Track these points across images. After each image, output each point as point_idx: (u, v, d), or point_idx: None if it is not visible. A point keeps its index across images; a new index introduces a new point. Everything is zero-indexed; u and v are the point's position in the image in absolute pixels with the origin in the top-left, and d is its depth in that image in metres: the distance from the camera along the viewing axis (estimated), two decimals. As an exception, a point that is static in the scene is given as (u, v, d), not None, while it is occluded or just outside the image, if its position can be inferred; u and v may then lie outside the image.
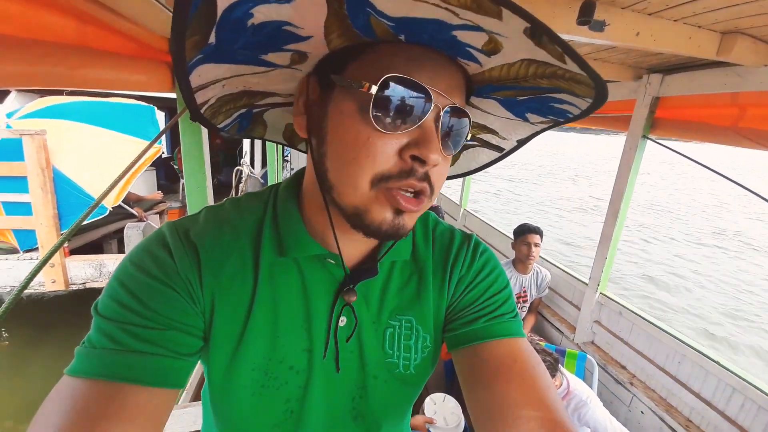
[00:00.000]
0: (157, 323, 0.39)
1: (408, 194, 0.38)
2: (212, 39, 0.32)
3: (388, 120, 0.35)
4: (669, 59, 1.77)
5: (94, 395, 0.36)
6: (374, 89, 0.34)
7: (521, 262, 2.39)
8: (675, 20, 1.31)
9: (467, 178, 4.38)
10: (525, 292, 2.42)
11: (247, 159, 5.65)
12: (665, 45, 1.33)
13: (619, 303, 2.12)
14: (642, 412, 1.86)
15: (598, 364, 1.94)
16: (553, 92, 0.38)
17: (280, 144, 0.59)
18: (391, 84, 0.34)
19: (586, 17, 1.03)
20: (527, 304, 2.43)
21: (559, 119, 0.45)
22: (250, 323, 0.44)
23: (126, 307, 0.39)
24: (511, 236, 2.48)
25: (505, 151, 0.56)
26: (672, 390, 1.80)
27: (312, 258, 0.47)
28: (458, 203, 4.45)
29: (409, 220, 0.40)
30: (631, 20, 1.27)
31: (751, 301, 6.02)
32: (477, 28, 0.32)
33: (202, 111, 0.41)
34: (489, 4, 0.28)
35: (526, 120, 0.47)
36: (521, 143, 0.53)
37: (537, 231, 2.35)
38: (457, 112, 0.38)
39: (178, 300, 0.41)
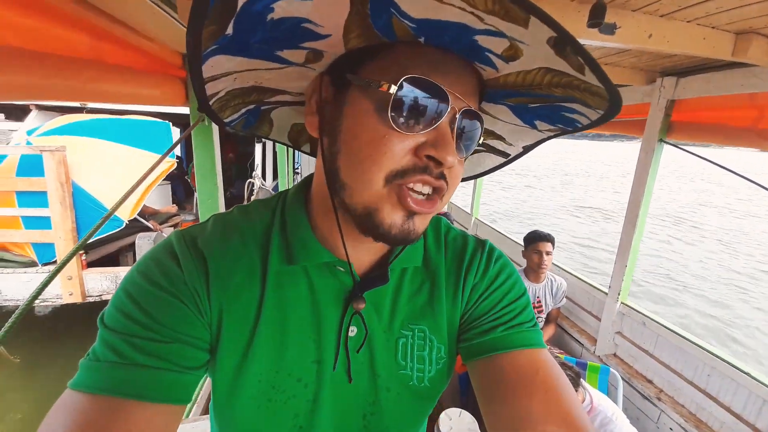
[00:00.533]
0: (162, 336, 0.39)
1: (420, 196, 0.37)
2: (230, 30, 0.32)
3: (406, 120, 0.35)
4: (683, 61, 1.73)
5: (96, 411, 0.35)
6: (393, 89, 0.34)
7: (533, 271, 2.33)
8: (688, 21, 1.29)
9: (478, 187, 4.36)
10: (539, 302, 2.35)
11: (258, 171, 5.73)
12: (679, 47, 1.31)
13: (642, 313, 2.03)
14: (671, 429, 1.77)
15: (622, 378, 1.85)
16: (566, 101, 0.39)
17: (284, 144, 0.59)
18: (411, 84, 0.34)
19: (596, 19, 1.01)
20: (543, 315, 2.36)
21: (567, 128, 0.45)
22: (257, 334, 0.43)
23: (131, 319, 0.38)
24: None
25: (510, 157, 0.56)
26: (702, 404, 1.71)
27: (321, 266, 0.46)
28: (469, 212, 4.41)
29: (420, 224, 0.39)
30: (643, 22, 1.25)
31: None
32: (499, 34, 0.32)
33: (210, 103, 0.41)
34: (517, 12, 0.28)
35: (534, 127, 0.47)
36: (527, 149, 0.53)
37: (548, 238, 2.29)
38: (471, 116, 0.38)
39: (185, 311, 0.40)
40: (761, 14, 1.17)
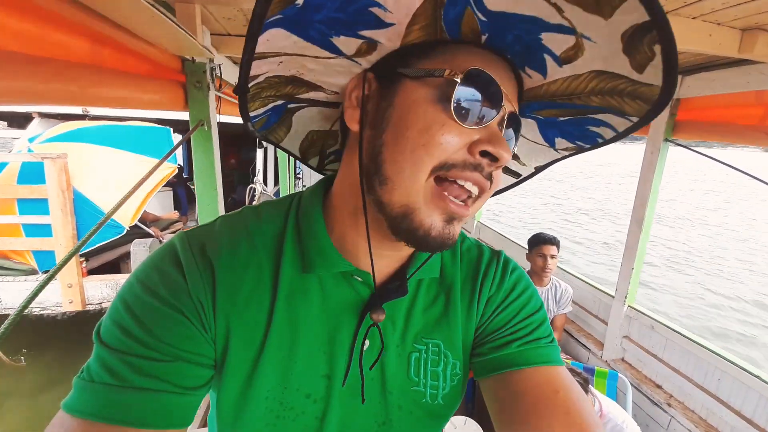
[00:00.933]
0: (163, 354, 0.36)
1: (459, 202, 0.37)
2: (300, 0, 0.31)
3: (464, 112, 0.34)
4: (688, 59, 1.71)
5: None
6: (459, 77, 0.34)
7: (536, 275, 2.30)
8: (693, 17, 1.28)
9: None
10: None
11: (260, 177, 5.73)
12: (685, 43, 1.29)
13: (650, 317, 2.00)
14: None
15: (631, 384, 1.82)
16: (599, 112, 0.39)
17: (292, 155, 0.56)
18: (473, 77, 0.34)
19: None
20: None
21: (584, 145, 0.44)
22: (267, 348, 0.41)
23: (129, 335, 0.36)
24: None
25: (521, 177, 0.55)
26: (712, 409, 1.67)
27: (336, 275, 0.44)
28: (473, 215, 4.40)
29: (457, 228, 0.39)
30: (648, 19, 1.23)
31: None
32: (570, 31, 0.32)
33: (249, 85, 0.39)
34: None
35: (552, 145, 0.47)
36: (538, 170, 0.54)
37: (553, 241, 2.25)
38: (513, 121, 0.39)
39: (188, 327, 0.38)
40: (767, 10, 1.15)
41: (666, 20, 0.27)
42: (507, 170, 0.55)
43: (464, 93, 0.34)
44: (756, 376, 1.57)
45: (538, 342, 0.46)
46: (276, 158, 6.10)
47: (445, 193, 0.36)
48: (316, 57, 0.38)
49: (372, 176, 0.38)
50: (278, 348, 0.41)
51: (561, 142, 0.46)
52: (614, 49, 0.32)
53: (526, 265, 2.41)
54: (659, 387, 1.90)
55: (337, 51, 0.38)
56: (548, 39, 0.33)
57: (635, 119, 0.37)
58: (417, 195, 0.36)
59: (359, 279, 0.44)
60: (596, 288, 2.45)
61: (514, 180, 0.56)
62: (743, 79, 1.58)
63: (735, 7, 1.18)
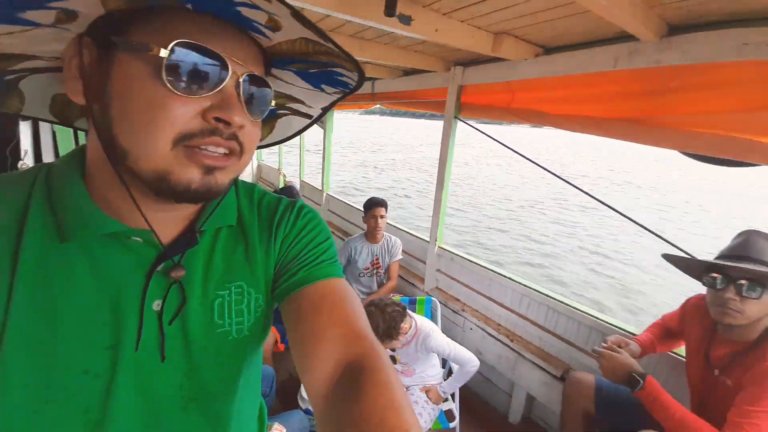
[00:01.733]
0: None
1: (215, 153, 0.38)
2: None
3: (184, 84, 0.34)
4: (469, 54, 2.20)
5: None
6: (165, 53, 0.33)
7: (371, 234, 2.68)
8: (462, 21, 1.59)
9: (327, 165, 4.47)
10: (378, 260, 2.72)
11: (28, 160, 4.26)
12: (455, 41, 1.63)
13: (451, 252, 2.62)
14: (471, 329, 2.41)
15: (440, 302, 2.39)
16: (334, 67, 0.44)
17: (48, 121, 0.50)
18: (182, 49, 0.34)
19: (390, 9, 1.17)
20: (381, 270, 2.74)
21: (346, 89, 0.50)
22: (9, 332, 0.37)
23: None
24: None
25: (313, 118, 0.61)
26: (488, 307, 2.37)
27: (106, 239, 0.41)
28: (320, 188, 4.53)
29: (222, 177, 0.40)
30: (432, 18, 1.50)
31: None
32: (256, 7, 0.33)
33: None
34: None
35: (323, 90, 0.51)
36: (325, 110, 0.59)
37: (382, 204, 2.67)
38: (257, 81, 0.40)
39: None
40: (510, 18, 1.51)
41: (298, 12, 0.33)
42: (299, 113, 0.60)
43: (178, 66, 0.34)
44: (509, 278, 2.27)
45: (322, 263, 0.53)
46: (54, 132, 4.61)
47: (195, 152, 0.36)
48: (10, 33, 0.35)
49: (113, 149, 0.37)
50: (29, 329, 0.38)
51: (327, 88, 0.50)
52: (297, 24, 0.35)
53: (365, 227, 2.75)
54: (457, 300, 2.56)
55: (31, 23, 0.34)
56: (246, 12, 0.35)
57: (357, 75, 0.44)
58: (164, 162, 0.36)
59: (138, 239, 0.43)
60: (418, 237, 3.00)
61: (309, 121, 0.61)
62: (498, 72, 2.14)
63: (487, 14, 1.49)
